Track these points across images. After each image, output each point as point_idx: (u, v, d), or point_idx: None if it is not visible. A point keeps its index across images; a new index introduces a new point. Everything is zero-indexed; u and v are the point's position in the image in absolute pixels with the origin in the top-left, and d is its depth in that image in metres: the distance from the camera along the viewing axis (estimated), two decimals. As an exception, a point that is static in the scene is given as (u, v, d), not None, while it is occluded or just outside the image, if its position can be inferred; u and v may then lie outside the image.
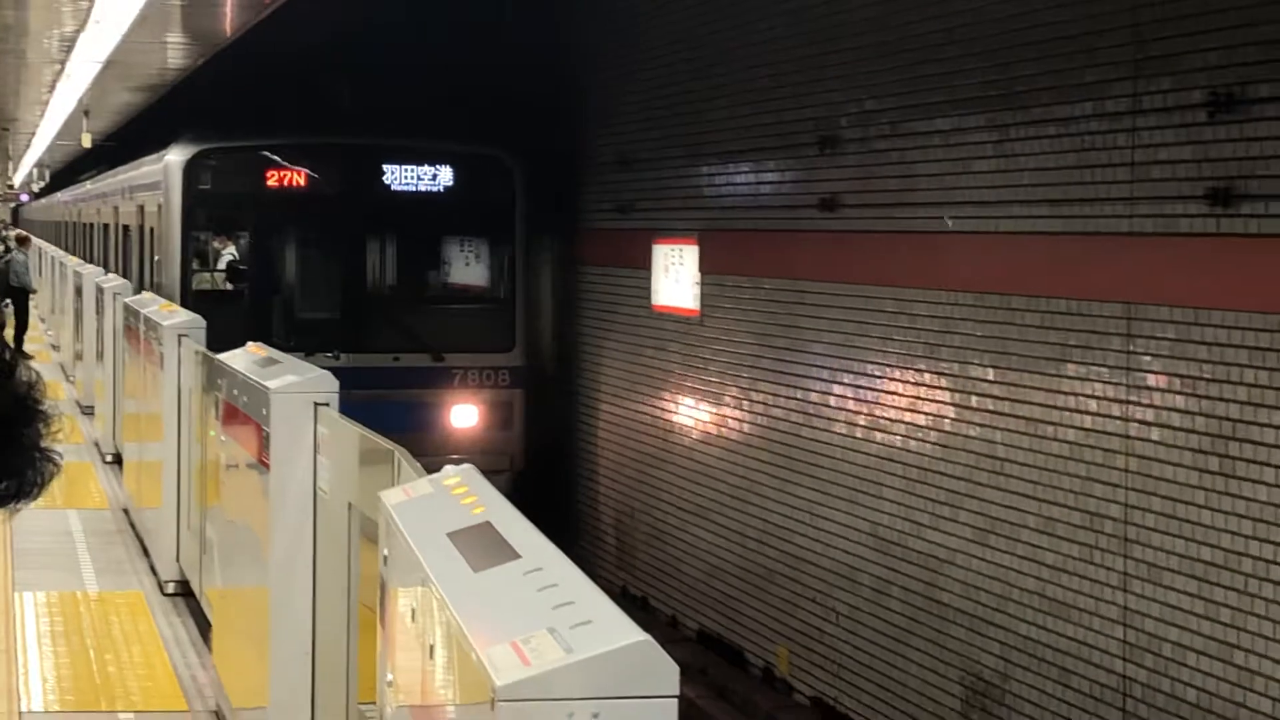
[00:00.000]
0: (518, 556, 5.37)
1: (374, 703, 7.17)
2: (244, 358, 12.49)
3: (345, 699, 9.31)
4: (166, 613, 15.45)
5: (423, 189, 27.17)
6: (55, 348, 36.63)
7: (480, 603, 5.04)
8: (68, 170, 61.51)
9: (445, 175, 27.61)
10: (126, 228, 37.31)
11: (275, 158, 26.71)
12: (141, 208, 32.38)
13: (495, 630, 4.65)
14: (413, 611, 5.79)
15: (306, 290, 27.87)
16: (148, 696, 12.80)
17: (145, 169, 31.36)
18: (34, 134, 50.10)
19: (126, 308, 21.20)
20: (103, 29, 26.75)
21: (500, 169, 27.49)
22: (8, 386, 3.38)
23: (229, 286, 28.16)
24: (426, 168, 26.96)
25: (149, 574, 16.90)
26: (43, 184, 75.02)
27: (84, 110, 37.56)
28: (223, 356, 13.30)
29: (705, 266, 24.11)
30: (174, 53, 30.99)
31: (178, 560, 16.08)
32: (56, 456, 3.42)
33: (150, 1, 22.76)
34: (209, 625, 13.63)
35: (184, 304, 22.67)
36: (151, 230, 29.80)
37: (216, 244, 30.96)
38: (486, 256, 28.79)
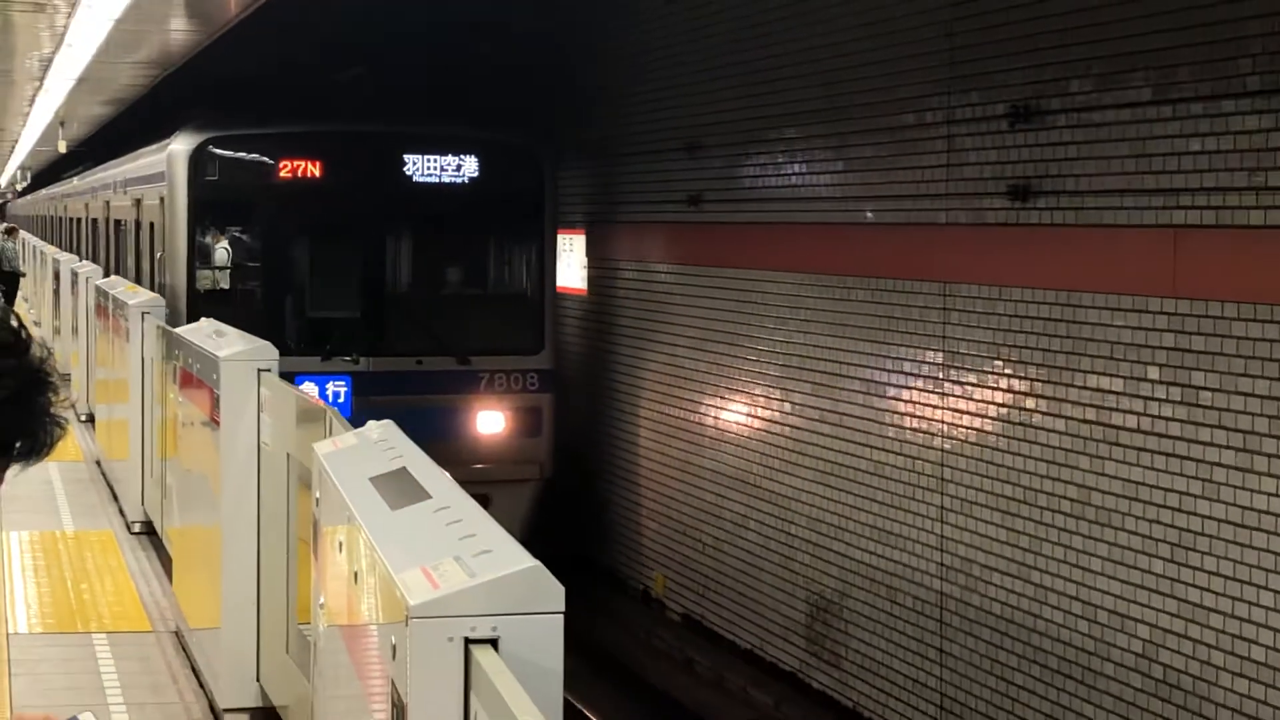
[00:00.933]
0: (429, 497, 5.39)
1: (309, 623, 7.13)
2: (197, 331, 12.41)
3: (285, 620, 9.28)
4: (133, 548, 15.34)
5: (446, 180, 20.90)
6: (37, 324, 35.87)
7: (396, 536, 5.04)
8: (48, 171, 60.45)
9: (470, 165, 21.32)
10: (119, 222, 30.43)
11: (289, 146, 20.54)
12: (138, 202, 25.96)
13: (409, 559, 4.66)
14: (340, 544, 5.77)
15: (322, 289, 21.63)
16: (117, 619, 12.72)
17: (144, 160, 24.63)
18: (16, 141, 49.21)
19: (97, 289, 21.06)
20: (74, 51, 24.19)
21: (528, 158, 21.39)
22: (24, 361, 3.38)
23: (238, 286, 21.67)
24: (450, 157, 20.84)
25: (118, 516, 16.75)
26: (25, 184, 74.03)
27: (59, 121, 36.76)
28: (179, 330, 13.24)
29: (591, 253, 23.10)
30: (137, 71, 27.74)
31: (142, 504, 15.96)
32: (63, 421, 3.42)
33: (113, 30, 21.84)
34: (169, 559, 13.51)
35: (190, 304, 19.78)
36: (151, 226, 23.59)
37: (209, 239, 23.23)
38: (513, 252, 22.53)
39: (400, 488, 5.61)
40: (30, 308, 39.07)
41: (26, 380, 3.39)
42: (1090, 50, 12.67)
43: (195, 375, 11.52)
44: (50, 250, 37.84)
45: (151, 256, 22.95)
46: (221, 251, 22.96)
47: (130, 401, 16.21)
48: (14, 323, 3.41)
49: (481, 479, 18.75)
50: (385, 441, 6.49)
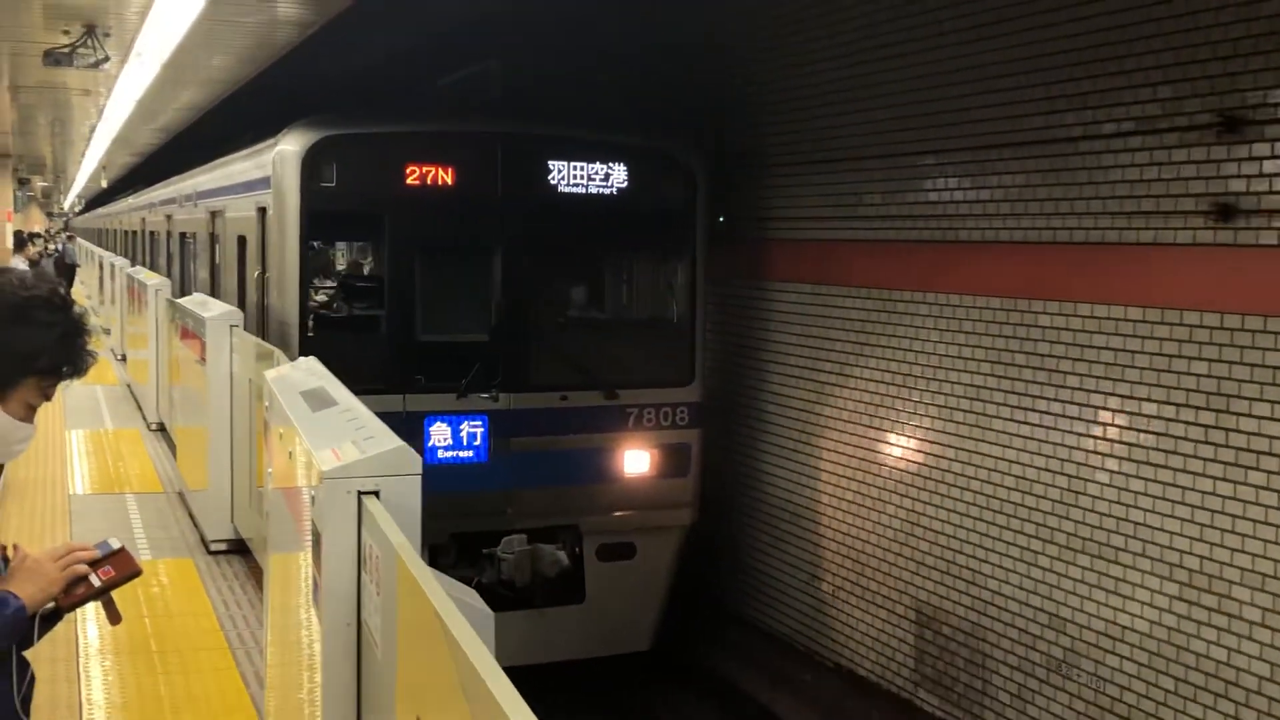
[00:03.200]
0: (336, 404, 5.31)
1: (263, 485, 7.00)
2: (190, 300, 12.16)
3: (249, 483, 9.14)
4: (151, 440, 14.96)
5: (594, 190, 12.71)
6: (89, 297, 34.73)
7: (315, 429, 4.97)
8: (97, 198, 58.19)
9: (619, 174, 13.01)
10: (184, 235, 19.68)
11: (417, 148, 12.08)
12: (216, 215, 15.67)
13: (323, 442, 4.59)
14: (280, 435, 5.67)
15: (456, 315, 12.98)
16: (141, 484, 12.42)
17: (236, 167, 14.63)
18: (74, 179, 47.55)
19: (128, 275, 20.31)
20: (109, 125, 21.57)
21: (680, 168, 12.99)
22: (69, 314, 3.39)
23: (356, 310, 12.70)
24: (598, 165, 12.76)
25: (142, 419, 16.30)
26: (80, 206, 71.63)
27: (102, 166, 35.53)
28: (180, 300, 12.94)
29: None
30: (153, 135, 24.27)
31: (157, 412, 15.52)
32: (94, 354, 3.45)
33: (135, 108, 18.52)
34: (175, 446, 13.21)
35: (302, 330, 11.06)
36: (242, 240, 13.73)
37: (323, 256, 14.30)
38: (663, 272, 13.78)
39: (319, 399, 5.54)
40: (84, 287, 37.67)
41: (70, 326, 3.38)
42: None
43: (190, 329, 11.31)
44: (98, 251, 36.58)
45: (240, 273, 13.48)
46: (339, 270, 14.33)
47: (149, 347, 15.77)
48: (62, 290, 3.38)
49: (625, 527, 11.83)
50: (310, 370, 6.40)
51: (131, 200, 33.67)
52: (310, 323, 11.04)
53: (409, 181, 11.10)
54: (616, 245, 12.80)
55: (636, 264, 13.31)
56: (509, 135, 11.64)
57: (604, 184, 11.84)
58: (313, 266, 11.61)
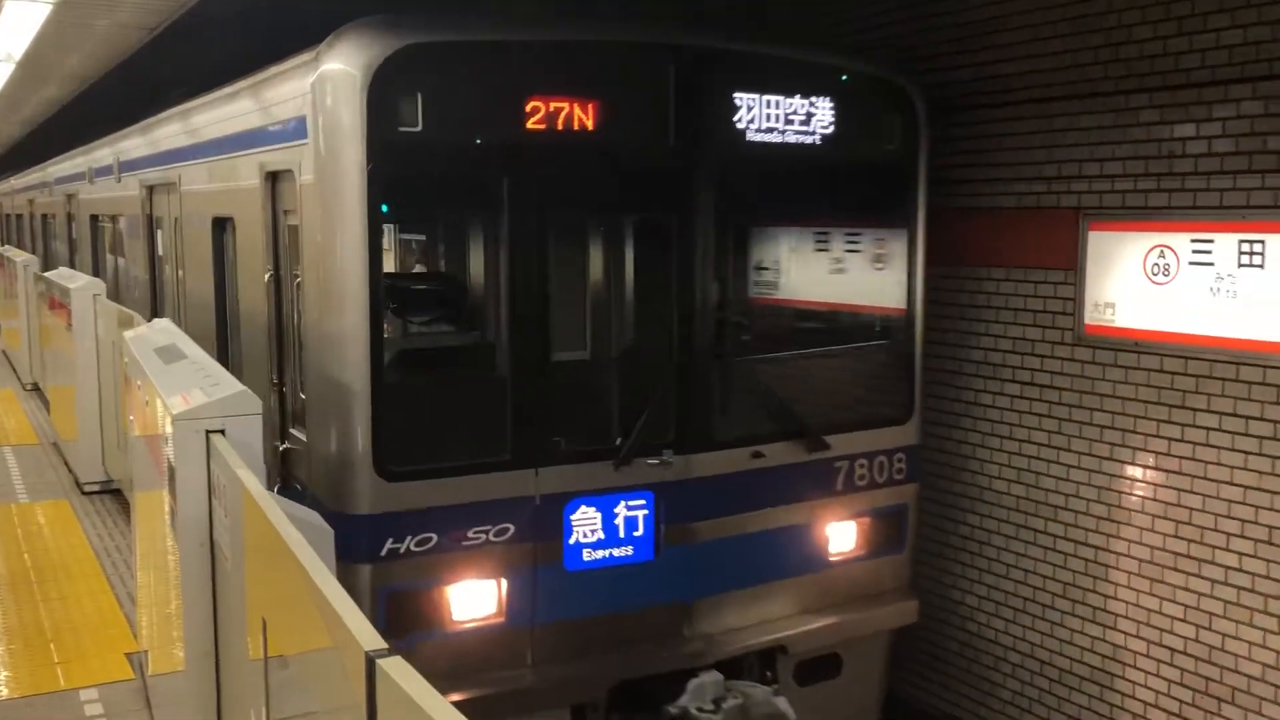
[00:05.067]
0: (186, 357, 5.06)
1: (127, 430, 6.63)
2: (56, 274, 11.44)
3: (116, 431, 8.68)
4: (26, 398, 14.17)
5: (793, 138, 5.68)
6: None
7: (168, 379, 4.75)
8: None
9: (824, 112, 5.79)
10: (96, 219, 13.12)
11: (546, 68, 5.09)
12: (158, 190, 9.00)
13: (173, 390, 4.39)
14: (139, 385, 5.37)
15: (609, 337, 6.77)
16: (19, 437, 11.78)
17: (209, 115, 7.06)
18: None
19: (1, 256, 18.96)
20: None
21: (903, 104, 6.20)
22: None
23: (449, 337, 6.30)
24: (799, 99, 5.67)
25: (17, 381, 15.36)
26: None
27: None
28: (47, 274, 12.15)
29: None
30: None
31: (31, 373, 14.67)
32: None
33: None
34: (48, 403, 12.48)
35: (375, 371, 5.08)
36: (219, 226, 6.96)
37: (401, 245, 7.05)
38: (874, 258, 6.65)
39: (171, 353, 5.33)
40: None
41: None
42: None
43: (58, 299, 10.66)
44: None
45: (218, 278, 7.25)
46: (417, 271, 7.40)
47: (20, 316, 14.86)
48: None
49: (839, 636, 6.51)
50: (163, 330, 6.11)
51: (14, 181, 24.70)
52: (387, 360, 5.39)
53: (531, 123, 5.30)
54: (822, 220, 7.09)
55: (843, 247, 7.14)
56: (688, 50, 5.76)
57: (804, 127, 6.03)
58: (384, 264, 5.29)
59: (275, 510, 3.15)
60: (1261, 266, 5.71)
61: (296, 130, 5.44)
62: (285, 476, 5.74)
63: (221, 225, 7.08)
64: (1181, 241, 6.02)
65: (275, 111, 5.81)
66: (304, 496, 5.42)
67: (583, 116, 5.39)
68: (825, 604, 6.43)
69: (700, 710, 5.82)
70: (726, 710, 5.81)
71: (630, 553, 5.77)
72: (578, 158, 5.44)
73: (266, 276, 5.93)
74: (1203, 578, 6.16)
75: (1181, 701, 6.28)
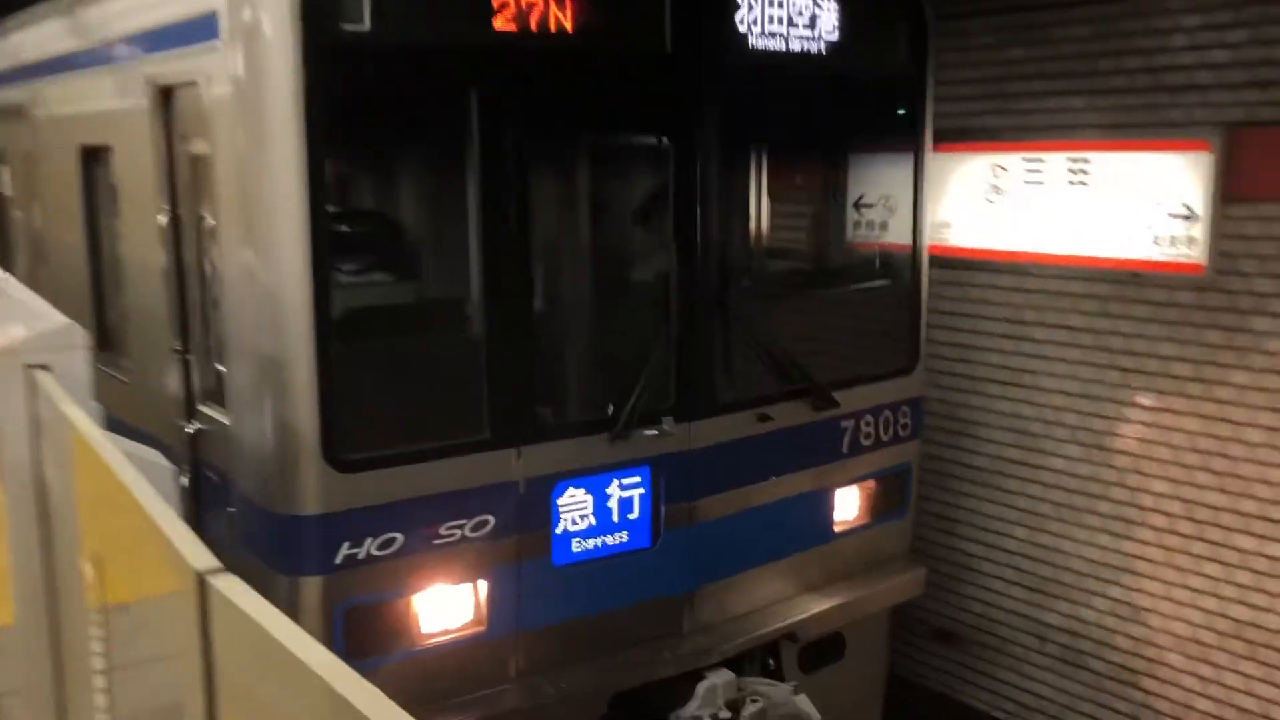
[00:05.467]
0: (3, 293, 4.10)
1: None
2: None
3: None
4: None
5: (797, 46, 4.50)
6: None
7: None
8: None
9: (829, 16, 4.64)
10: None
11: None
12: None
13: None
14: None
15: (599, 288, 4.90)
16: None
17: (108, 4, 5.14)
18: None
19: None
20: None
21: (911, 12, 5.15)
22: None
23: (409, 293, 4.62)
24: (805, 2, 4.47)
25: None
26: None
27: None
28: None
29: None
30: None
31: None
32: None
33: None
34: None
35: (322, 338, 3.90)
36: (88, 157, 5.41)
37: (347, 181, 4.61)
38: (882, 189, 5.48)
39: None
40: None
41: None
42: None
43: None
44: None
45: (107, 225, 5.55)
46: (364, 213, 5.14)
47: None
48: None
49: (847, 617, 5.51)
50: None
51: None
52: (335, 320, 4.12)
53: (500, 23, 4.24)
54: (829, 142, 5.88)
55: (846, 174, 5.97)
56: None
57: (809, 33, 5.02)
58: (333, 213, 4.31)
59: (108, 447, 2.66)
60: (1085, 185, 5.92)
61: (201, 30, 4.24)
62: (197, 465, 4.71)
63: (93, 157, 5.61)
64: (1014, 161, 6.17)
65: (169, 7, 4.60)
66: (226, 491, 4.45)
67: (560, 15, 4.28)
68: (832, 580, 5.57)
69: (715, 719, 4.90)
70: (747, 718, 4.91)
71: (625, 539, 4.82)
72: (558, 66, 4.37)
73: (161, 220, 4.73)
74: (1035, 483, 6.40)
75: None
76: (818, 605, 5.35)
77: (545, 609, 4.60)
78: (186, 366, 4.74)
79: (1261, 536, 5.58)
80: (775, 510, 5.24)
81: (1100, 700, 6.29)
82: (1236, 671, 5.78)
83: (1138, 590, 6.06)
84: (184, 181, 4.63)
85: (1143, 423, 5.97)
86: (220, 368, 4.48)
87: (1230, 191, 5.47)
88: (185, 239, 4.67)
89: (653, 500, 4.84)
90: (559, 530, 4.63)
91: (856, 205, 5.81)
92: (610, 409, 4.67)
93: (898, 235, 5.79)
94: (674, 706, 4.87)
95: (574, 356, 5.03)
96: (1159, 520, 5.97)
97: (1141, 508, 6.03)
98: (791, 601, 5.32)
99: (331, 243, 4.01)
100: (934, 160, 5.79)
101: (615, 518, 4.79)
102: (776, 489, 5.20)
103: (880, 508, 5.73)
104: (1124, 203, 5.78)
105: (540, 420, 4.51)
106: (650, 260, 5.04)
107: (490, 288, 4.31)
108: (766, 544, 5.25)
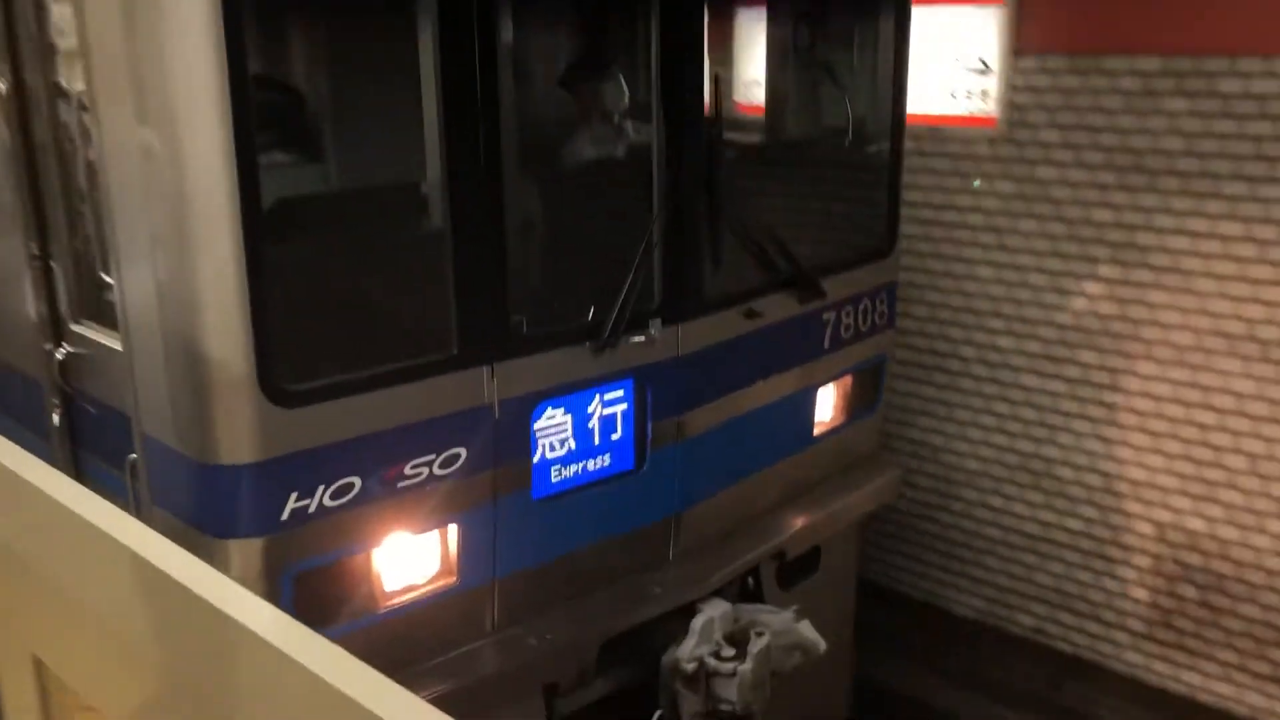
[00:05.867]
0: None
1: None
2: None
3: None
4: None
5: None
6: None
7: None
8: None
9: None
10: None
11: None
12: None
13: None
14: None
15: (574, 178, 4.07)
16: None
17: None
18: None
19: None
20: None
21: None
22: None
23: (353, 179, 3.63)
24: None
25: None
26: None
27: None
28: None
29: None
30: None
31: None
32: None
33: None
34: None
35: (252, 238, 2.93)
36: None
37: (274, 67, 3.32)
38: (856, 46, 4.51)
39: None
40: None
41: None
42: None
43: None
44: None
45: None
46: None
47: None
48: None
49: (831, 527, 4.96)
50: None
51: None
52: (271, 212, 3.17)
53: None
54: (811, 11, 4.95)
55: (822, 32, 5.03)
56: None
57: None
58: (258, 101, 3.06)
59: None
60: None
61: None
62: (70, 397, 3.79)
63: None
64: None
65: None
66: (119, 432, 3.57)
67: None
68: (811, 488, 5.03)
69: (719, 658, 4.25)
70: (756, 655, 4.27)
71: (608, 463, 4.17)
72: None
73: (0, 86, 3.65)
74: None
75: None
76: (804, 517, 4.82)
77: (524, 551, 3.93)
78: (49, 276, 3.77)
79: (1043, 374, 5.92)
80: (760, 417, 4.64)
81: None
82: (1024, 501, 6.10)
83: (932, 428, 6.33)
84: (29, 35, 3.58)
85: (939, 273, 6.16)
86: (105, 278, 3.53)
87: (1020, 44, 5.62)
88: (36, 111, 3.63)
89: (637, 416, 4.17)
90: (537, 459, 3.92)
91: (829, 69, 5.04)
92: (591, 314, 3.92)
93: (875, 105, 5.08)
94: (663, 645, 4.24)
95: (551, 253, 4.20)
96: (955, 364, 6.22)
97: (939, 354, 6.26)
98: (777, 516, 4.79)
99: (260, 112, 3.06)
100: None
101: (596, 440, 4.09)
102: (762, 393, 4.62)
103: (856, 405, 5.21)
104: (927, 58, 5.83)
105: (515, 331, 3.73)
106: (634, 136, 4.29)
107: (454, 170, 3.44)
108: (751, 455, 4.67)
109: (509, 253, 3.63)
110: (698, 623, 4.23)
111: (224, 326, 3.13)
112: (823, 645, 4.43)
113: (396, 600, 3.66)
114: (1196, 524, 5.54)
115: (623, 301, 3.92)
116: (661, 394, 4.18)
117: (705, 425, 4.39)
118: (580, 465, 4.07)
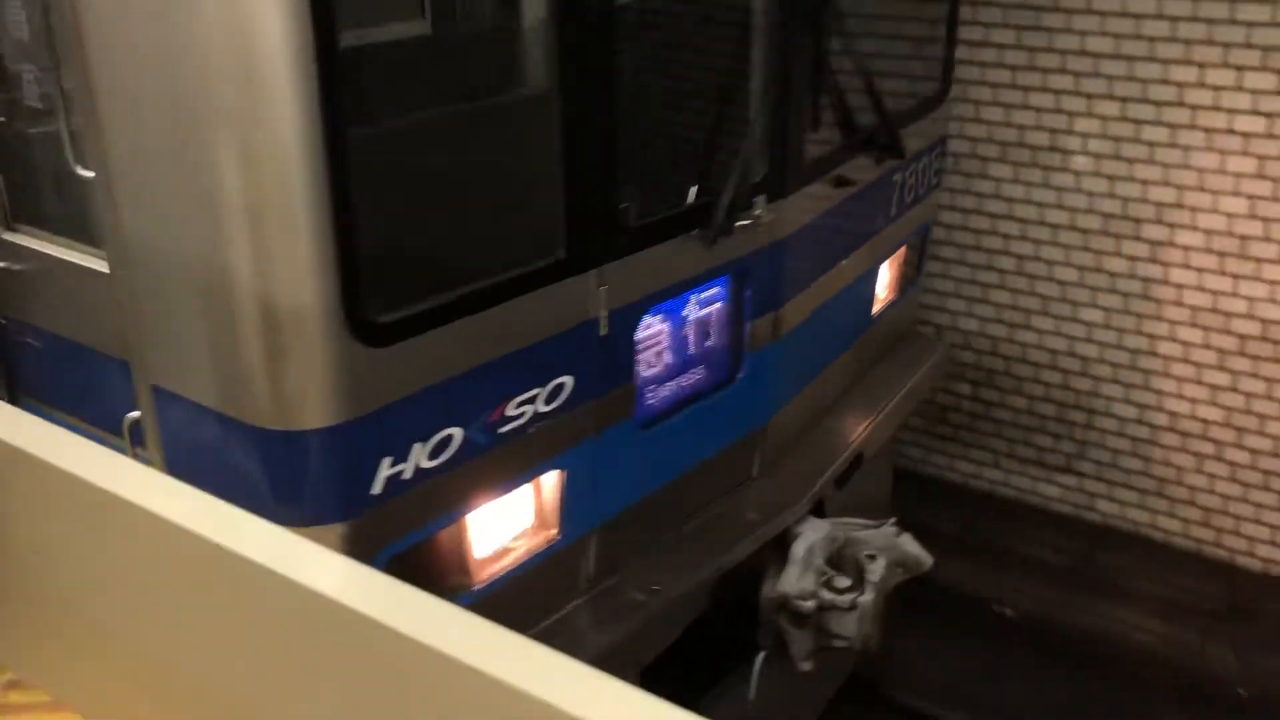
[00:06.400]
0: None
1: None
2: None
3: None
4: None
5: None
6: None
7: None
8: None
9: None
10: None
11: None
12: None
13: None
14: None
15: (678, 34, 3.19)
16: None
17: None
18: None
19: None
20: None
21: None
22: None
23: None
24: None
25: None
26: None
27: None
28: None
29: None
30: None
31: None
32: None
33: None
34: None
35: (334, 127, 2.04)
36: None
37: None
38: None
39: None
40: None
41: None
42: None
43: None
44: None
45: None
46: None
47: None
48: None
49: (893, 422, 4.34)
50: None
51: None
52: (346, 79, 2.13)
53: None
54: None
55: None
56: None
57: None
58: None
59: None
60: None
61: None
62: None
63: None
64: None
65: None
66: (94, 379, 2.71)
67: None
68: (866, 372, 4.41)
69: (833, 590, 3.55)
70: (877, 584, 3.59)
71: (703, 374, 3.44)
72: None
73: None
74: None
75: None
76: (874, 410, 4.19)
77: (622, 490, 3.21)
78: None
79: None
80: (842, 300, 4.01)
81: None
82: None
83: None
84: None
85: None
86: (80, 170, 2.46)
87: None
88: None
89: (733, 317, 3.46)
90: (639, 379, 3.16)
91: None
92: (692, 194, 3.08)
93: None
94: (748, 575, 3.53)
95: (654, 126, 3.33)
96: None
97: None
98: (847, 412, 4.16)
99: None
100: None
101: (692, 347, 3.36)
102: (846, 273, 3.97)
103: (907, 276, 4.62)
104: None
105: (623, 224, 2.90)
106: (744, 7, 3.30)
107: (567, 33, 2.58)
108: (828, 346, 4.04)
109: (618, 127, 2.76)
110: (799, 549, 3.55)
111: (293, 238, 2.20)
112: (929, 560, 3.79)
113: (495, 569, 2.89)
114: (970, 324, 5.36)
115: (738, 178, 3.13)
116: (759, 287, 3.46)
117: (799, 318, 3.70)
118: (675, 382, 3.36)
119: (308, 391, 2.35)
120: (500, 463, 2.76)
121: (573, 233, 2.75)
